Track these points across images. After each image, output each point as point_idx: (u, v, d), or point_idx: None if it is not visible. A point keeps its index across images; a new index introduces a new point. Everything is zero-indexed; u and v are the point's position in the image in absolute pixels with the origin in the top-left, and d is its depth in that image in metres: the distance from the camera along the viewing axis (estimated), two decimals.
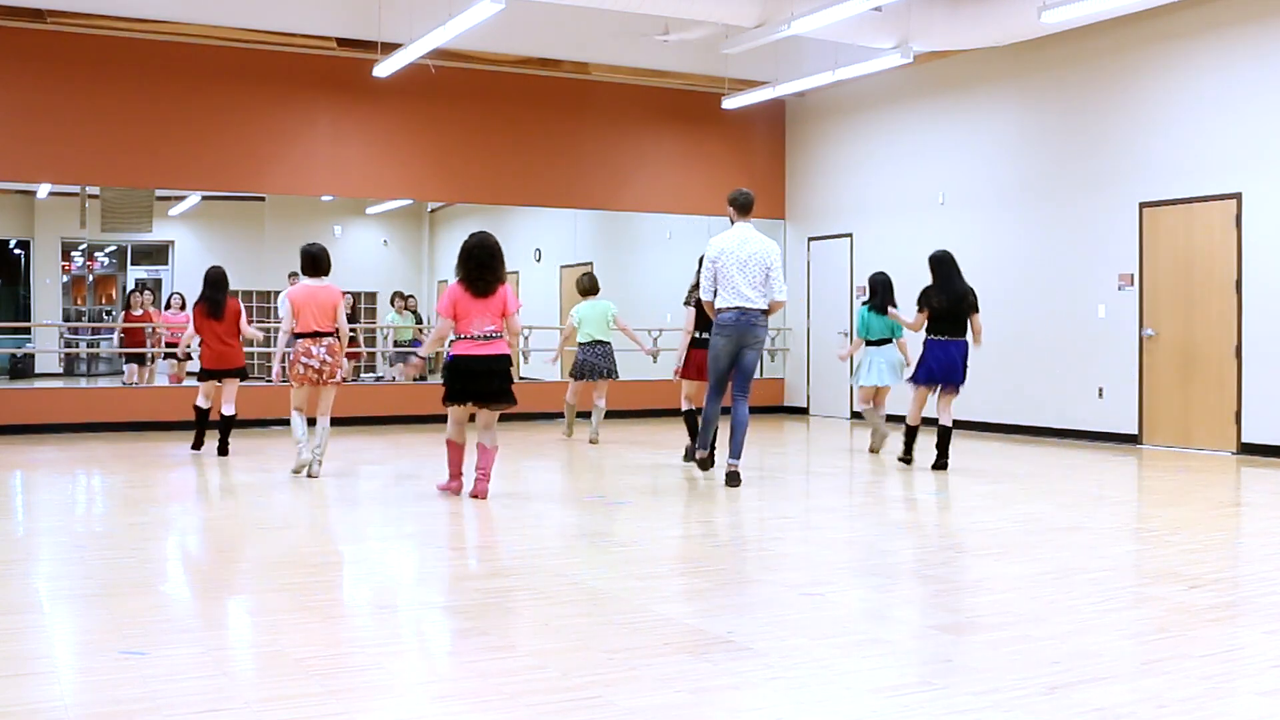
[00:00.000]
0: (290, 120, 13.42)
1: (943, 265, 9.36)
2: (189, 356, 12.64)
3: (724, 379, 8.29)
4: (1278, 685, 3.76)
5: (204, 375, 10.21)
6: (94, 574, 5.33)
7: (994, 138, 13.03)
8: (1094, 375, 11.80)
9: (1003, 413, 12.69)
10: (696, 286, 9.04)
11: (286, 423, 9.04)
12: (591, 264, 17.34)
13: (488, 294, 7.40)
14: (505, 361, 7.50)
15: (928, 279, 9.44)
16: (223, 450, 10.12)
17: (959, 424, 12.63)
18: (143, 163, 12.87)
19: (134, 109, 12.64)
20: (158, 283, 19.00)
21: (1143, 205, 11.37)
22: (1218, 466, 9.82)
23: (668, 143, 15.23)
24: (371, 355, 17.77)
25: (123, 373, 15.09)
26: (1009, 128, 12.87)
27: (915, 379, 9.42)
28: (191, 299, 11.24)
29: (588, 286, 11.47)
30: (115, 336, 16.62)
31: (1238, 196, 10.56)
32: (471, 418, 7.76)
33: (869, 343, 10.35)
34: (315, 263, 8.74)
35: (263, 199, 17.01)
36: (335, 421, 12.75)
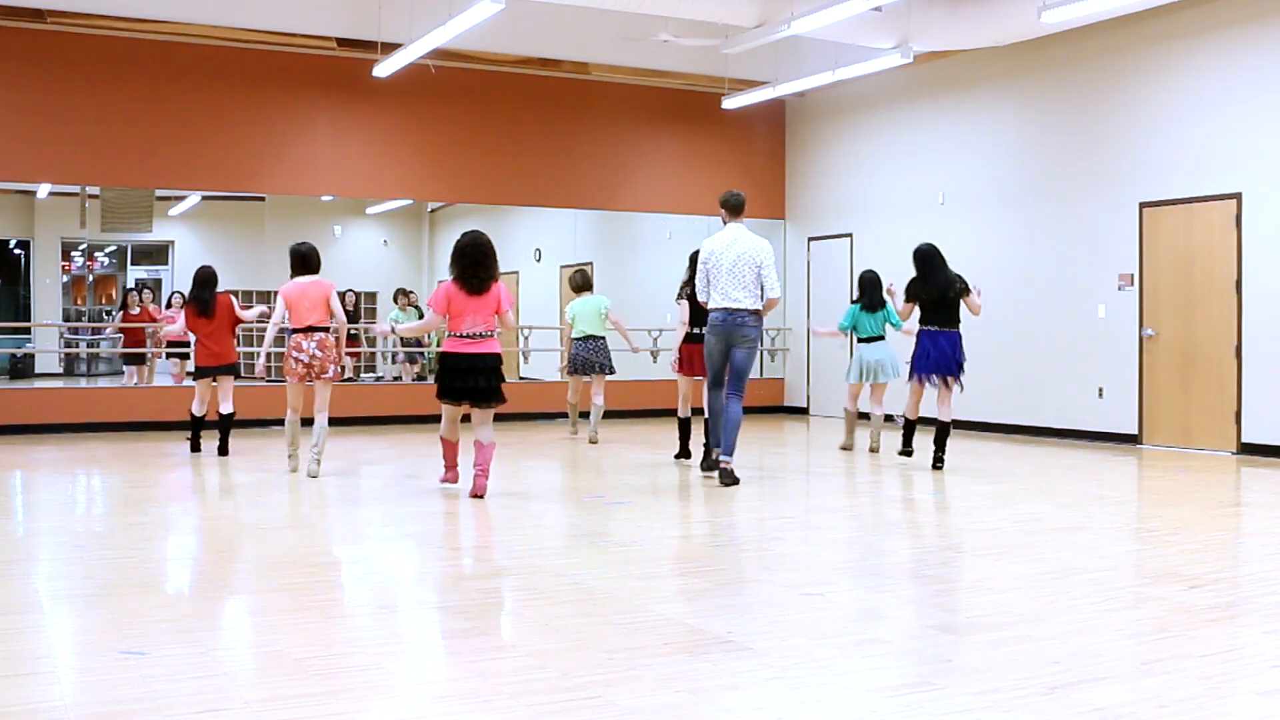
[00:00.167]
0: (290, 120, 13.42)
1: (926, 259, 9.41)
2: (161, 343, 12.75)
3: (720, 374, 8.40)
4: (1278, 685, 3.76)
5: (198, 373, 10.26)
6: (94, 574, 5.33)
7: (994, 138, 13.03)
8: (1094, 375, 11.80)
9: (1003, 413, 12.69)
10: (688, 283, 9.19)
11: (284, 423, 9.07)
12: (591, 263, 17.35)
13: (481, 291, 7.45)
14: (495, 360, 7.56)
15: None
16: (223, 450, 10.12)
17: (959, 424, 12.64)
18: (143, 163, 12.87)
19: (134, 109, 12.64)
20: (158, 283, 19.01)
21: (1143, 205, 11.37)
22: (1218, 466, 9.82)
23: (668, 143, 15.23)
24: (372, 355, 17.77)
25: (123, 373, 15.09)
26: (1009, 128, 12.87)
27: (911, 372, 9.47)
28: None
29: (581, 283, 11.52)
30: (114, 337, 16.61)
31: (1238, 196, 10.56)
32: (467, 417, 7.80)
33: (861, 340, 10.40)
34: (305, 261, 8.82)
35: (263, 199, 17.02)
36: (336, 421, 12.76)
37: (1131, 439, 11.42)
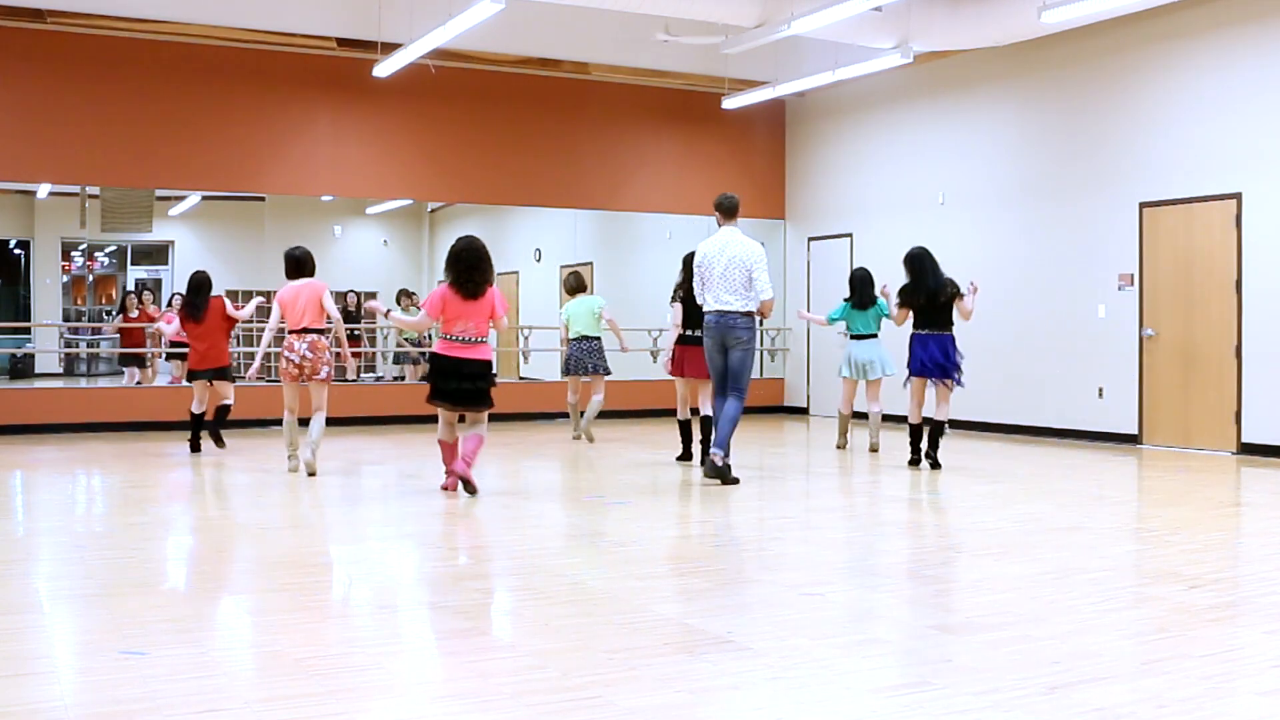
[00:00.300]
0: (290, 120, 13.42)
1: (916, 263, 9.47)
2: (160, 343, 12.84)
3: (722, 377, 8.45)
4: (1278, 685, 3.76)
5: (191, 375, 10.37)
6: (94, 574, 5.33)
7: (994, 138, 13.03)
8: (1094, 375, 11.80)
9: (1003, 413, 12.69)
10: (681, 285, 9.32)
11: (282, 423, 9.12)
12: (591, 264, 17.35)
13: (476, 295, 7.52)
14: (484, 366, 7.63)
15: None
16: (218, 441, 10.22)
17: (960, 424, 12.65)
18: (143, 163, 12.87)
19: (134, 109, 12.64)
20: (158, 283, 19.01)
21: (1143, 205, 11.37)
22: (1218, 466, 9.82)
23: (668, 143, 15.23)
24: (372, 355, 17.77)
25: (122, 374, 15.10)
26: (1009, 128, 12.87)
27: (907, 373, 9.50)
28: None
29: (575, 285, 11.58)
30: (112, 337, 16.62)
31: (1238, 196, 10.56)
32: (462, 418, 7.86)
33: (854, 337, 10.45)
34: (299, 265, 8.94)
35: (263, 199, 17.01)
36: (336, 421, 12.77)
37: (1131, 439, 11.42)
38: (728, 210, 8.46)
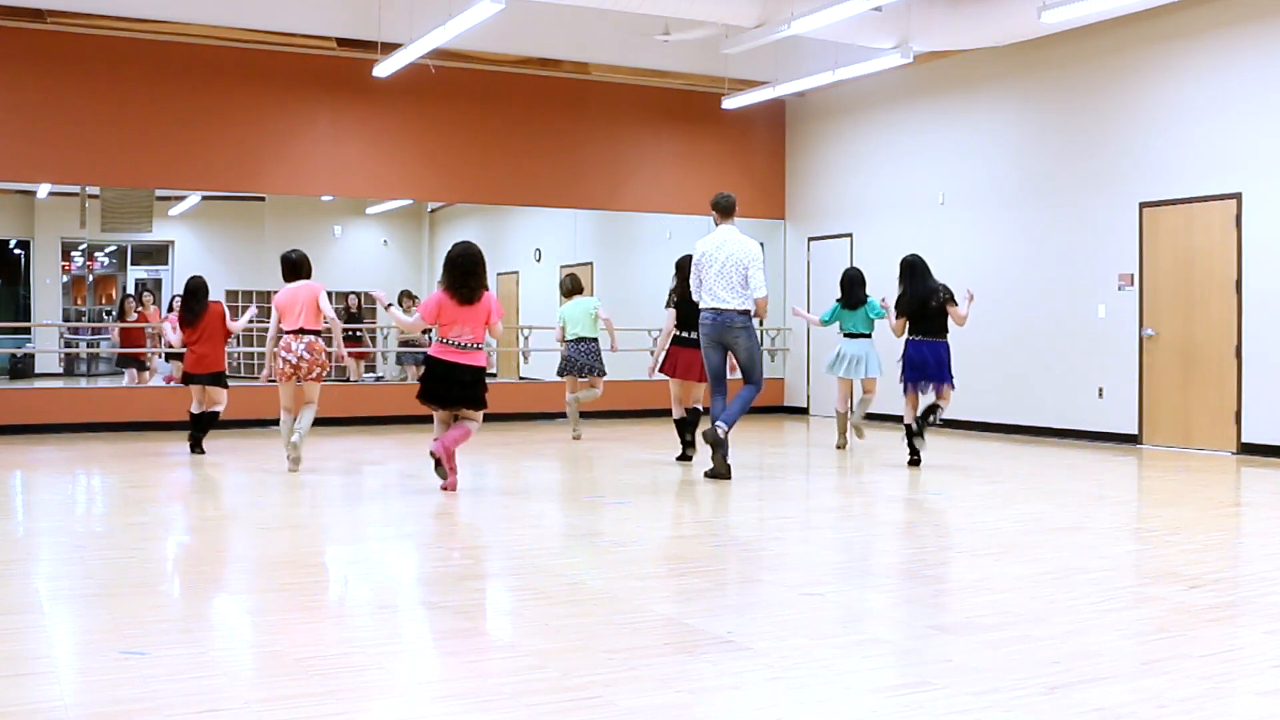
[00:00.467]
0: (290, 120, 13.41)
1: (908, 269, 9.55)
2: (171, 345, 12.86)
3: (720, 375, 8.54)
4: (1278, 685, 3.76)
5: (186, 379, 10.40)
6: (94, 574, 5.33)
7: (994, 138, 13.03)
8: (1094, 375, 11.80)
9: (1003, 413, 12.69)
10: (675, 290, 9.48)
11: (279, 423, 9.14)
12: (591, 264, 17.35)
13: (472, 301, 7.59)
14: (477, 373, 7.71)
15: None
16: (196, 445, 10.28)
17: (960, 423, 12.66)
18: (143, 163, 12.87)
19: (134, 109, 12.64)
20: (158, 283, 19.00)
21: (1143, 205, 11.37)
22: (1218, 466, 9.82)
23: (668, 143, 15.22)
24: (371, 354, 17.77)
25: (122, 374, 15.10)
26: (1009, 128, 12.87)
27: (902, 380, 9.53)
28: None
29: (571, 288, 11.63)
30: (113, 340, 16.62)
31: (1238, 196, 10.56)
32: (456, 416, 7.89)
33: (847, 335, 10.50)
34: (295, 268, 9.03)
35: (263, 199, 17.00)
36: (336, 422, 12.81)
37: (1131, 439, 11.42)
38: (725, 209, 8.52)
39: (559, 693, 3.53)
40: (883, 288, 10.74)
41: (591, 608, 4.69)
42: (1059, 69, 12.20)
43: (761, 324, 11.02)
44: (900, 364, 9.52)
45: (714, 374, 8.52)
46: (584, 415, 12.21)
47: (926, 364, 9.34)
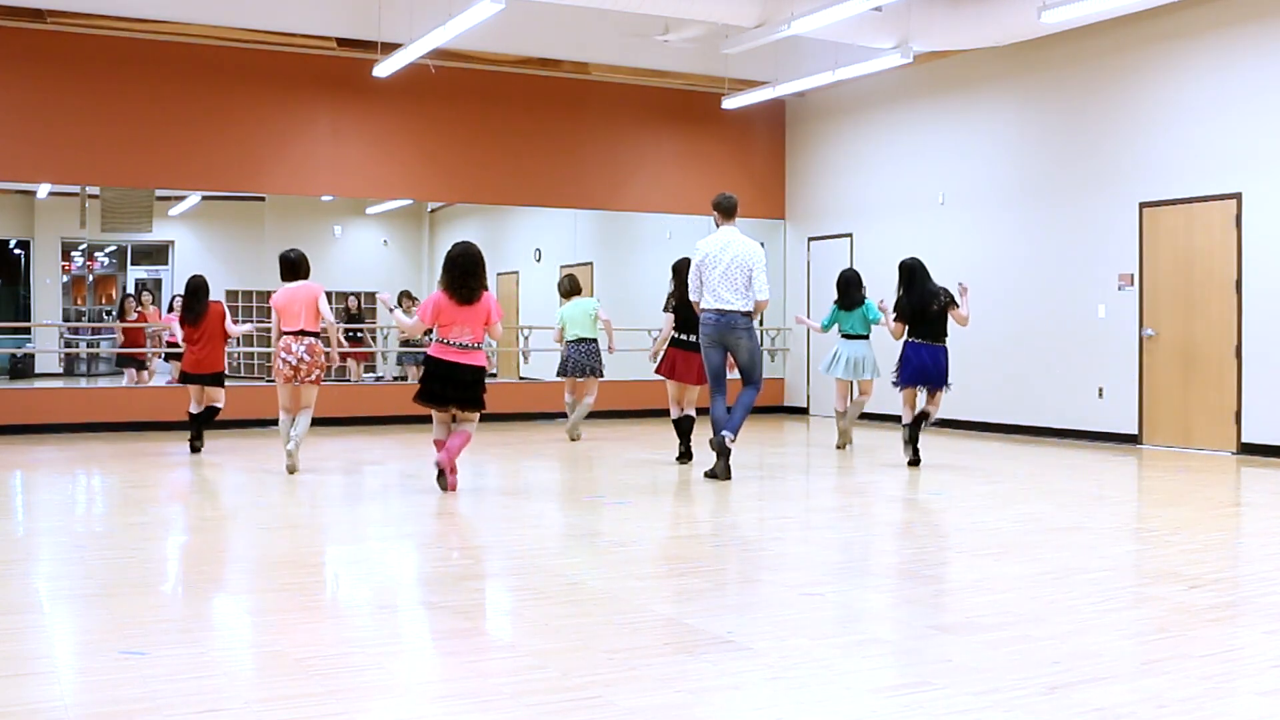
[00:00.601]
0: (290, 120, 13.41)
1: (909, 273, 9.57)
2: (173, 345, 12.87)
3: (720, 375, 8.54)
4: (1278, 685, 3.76)
5: (184, 378, 10.40)
6: (94, 574, 5.33)
7: (994, 138, 13.02)
8: (1094, 375, 11.80)
9: (1003, 413, 12.69)
10: (673, 294, 9.48)
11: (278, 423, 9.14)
12: (591, 264, 17.34)
13: (471, 301, 7.58)
14: (478, 373, 7.70)
15: None
16: (196, 444, 10.27)
17: (960, 424, 12.66)
18: (143, 163, 12.87)
19: (134, 109, 12.64)
20: (158, 283, 19.00)
21: (1143, 205, 11.37)
22: (1218, 466, 9.82)
23: (668, 143, 15.22)
24: (371, 354, 17.77)
25: (122, 374, 15.10)
26: (1009, 128, 12.87)
27: (898, 382, 9.54)
28: None
29: (569, 289, 11.64)
30: (114, 340, 16.62)
31: (1238, 196, 10.56)
32: (454, 417, 7.89)
33: (845, 336, 10.52)
34: (294, 268, 9.02)
35: (263, 199, 17.00)
36: (336, 422, 12.81)
37: (1131, 439, 11.42)
38: (727, 210, 8.52)
39: (559, 693, 3.53)
40: (883, 288, 10.74)
41: (591, 608, 4.69)
42: (1059, 69, 12.20)
43: (761, 324, 11.02)
44: (898, 365, 9.52)
45: (714, 374, 8.53)
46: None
47: (926, 368, 9.34)
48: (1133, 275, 11.45)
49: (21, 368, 17.26)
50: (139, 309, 15.05)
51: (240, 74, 13.02)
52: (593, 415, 12.17)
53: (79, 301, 19.68)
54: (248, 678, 3.77)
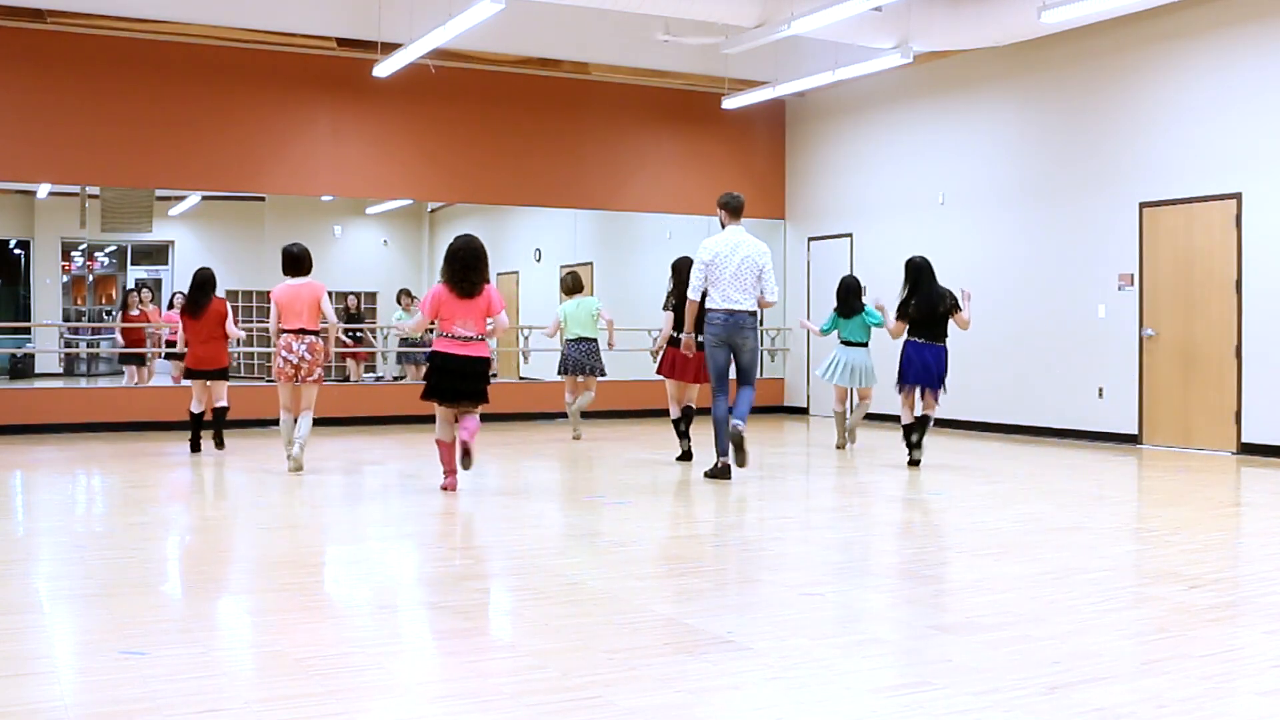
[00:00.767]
0: (290, 120, 13.41)
1: (917, 272, 9.54)
2: (173, 345, 12.86)
3: (723, 375, 8.53)
4: (1278, 685, 3.76)
5: (187, 374, 10.38)
6: (94, 574, 5.33)
7: (994, 138, 13.03)
8: (1094, 375, 11.80)
9: (1003, 413, 12.69)
10: (673, 293, 9.49)
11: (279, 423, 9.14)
12: (591, 264, 17.34)
13: (472, 295, 7.57)
14: (485, 364, 7.70)
15: None
16: (219, 443, 10.24)
17: (960, 424, 12.66)
18: (143, 163, 12.87)
19: (134, 109, 12.64)
20: (158, 283, 19.00)
21: (1143, 205, 11.37)
22: (1218, 466, 9.82)
23: (668, 143, 15.22)
24: (372, 355, 17.77)
25: (122, 373, 15.11)
26: (1009, 128, 12.87)
27: (898, 381, 9.54)
28: None
29: (572, 286, 11.65)
30: (113, 339, 16.62)
31: (1238, 196, 10.56)
32: (456, 416, 7.86)
33: (844, 343, 10.52)
34: (296, 263, 8.96)
35: (263, 199, 17.00)
36: (337, 422, 12.81)
37: (1131, 439, 11.42)
38: (734, 209, 8.50)
39: (559, 693, 3.53)
40: (883, 288, 10.75)
41: (591, 608, 4.69)
42: (1059, 69, 12.20)
43: (761, 324, 11.02)
44: (901, 364, 9.50)
45: (718, 374, 8.52)
46: (584, 415, 12.20)
47: (929, 367, 9.34)
48: (1133, 275, 11.45)
49: (21, 368, 17.26)
50: (140, 306, 15.05)
51: (240, 74, 13.02)
52: (593, 415, 12.20)
53: (79, 301, 19.68)
54: (248, 678, 3.77)
